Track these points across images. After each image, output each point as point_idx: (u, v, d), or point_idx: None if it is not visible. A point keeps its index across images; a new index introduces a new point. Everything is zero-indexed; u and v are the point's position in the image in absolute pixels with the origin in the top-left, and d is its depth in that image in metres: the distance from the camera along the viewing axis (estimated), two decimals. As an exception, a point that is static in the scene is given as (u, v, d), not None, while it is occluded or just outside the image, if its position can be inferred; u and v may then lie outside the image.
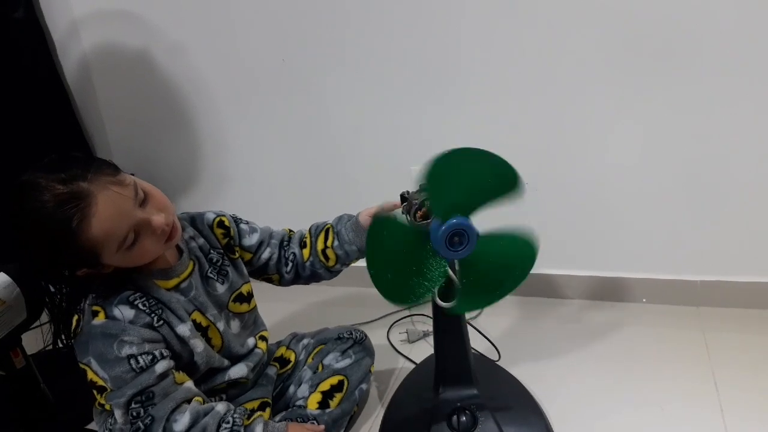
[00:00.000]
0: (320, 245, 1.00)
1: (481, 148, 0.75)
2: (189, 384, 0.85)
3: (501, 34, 1.16)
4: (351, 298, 1.47)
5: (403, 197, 0.87)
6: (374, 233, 0.77)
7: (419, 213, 0.81)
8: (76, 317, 0.84)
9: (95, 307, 0.82)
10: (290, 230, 1.05)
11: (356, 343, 1.06)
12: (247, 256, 0.99)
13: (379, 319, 1.35)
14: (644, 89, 1.12)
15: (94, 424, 0.92)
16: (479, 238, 0.77)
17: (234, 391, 0.96)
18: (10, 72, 1.45)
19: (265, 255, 1.00)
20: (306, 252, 1.00)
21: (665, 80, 1.10)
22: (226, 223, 0.97)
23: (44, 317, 1.00)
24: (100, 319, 0.81)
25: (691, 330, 1.17)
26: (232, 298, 0.95)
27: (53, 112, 1.56)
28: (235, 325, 0.96)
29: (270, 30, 1.33)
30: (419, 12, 1.20)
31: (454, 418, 0.93)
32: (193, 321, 0.87)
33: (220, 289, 0.93)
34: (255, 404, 0.97)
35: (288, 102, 1.39)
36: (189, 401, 0.83)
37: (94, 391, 0.83)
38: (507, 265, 0.83)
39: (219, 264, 0.94)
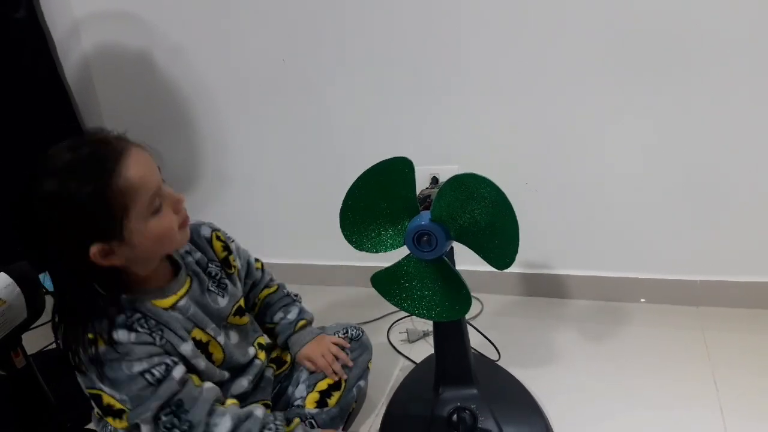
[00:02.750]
0: (269, 318, 1.04)
1: (512, 206, 0.75)
2: (209, 383, 0.83)
3: (501, 35, 1.17)
4: (351, 297, 1.47)
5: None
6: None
7: (422, 207, 0.83)
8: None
9: (90, 335, 0.75)
10: (260, 265, 1.06)
11: (353, 340, 1.06)
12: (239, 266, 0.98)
13: (379, 318, 1.35)
14: (645, 91, 1.12)
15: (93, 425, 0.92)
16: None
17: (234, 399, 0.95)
18: (11, 72, 1.45)
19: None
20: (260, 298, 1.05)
21: (665, 82, 1.10)
22: (222, 237, 0.95)
23: (45, 317, 1.00)
24: (100, 345, 0.75)
25: (691, 330, 1.17)
26: (232, 311, 0.92)
27: (53, 113, 1.56)
28: (234, 336, 0.93)
29: (270, 31, 1.33)
30: (419, 13, 1.20)
31: (454, 417, 0.93)
32: (194, 339, 0.84)
33: (222, 302, 0.90)
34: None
35: (288, 103, 1.39)
36: (222, 402, 0.81)
37: (110, 417, 0.78)
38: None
39: (218, 277, 0.92)
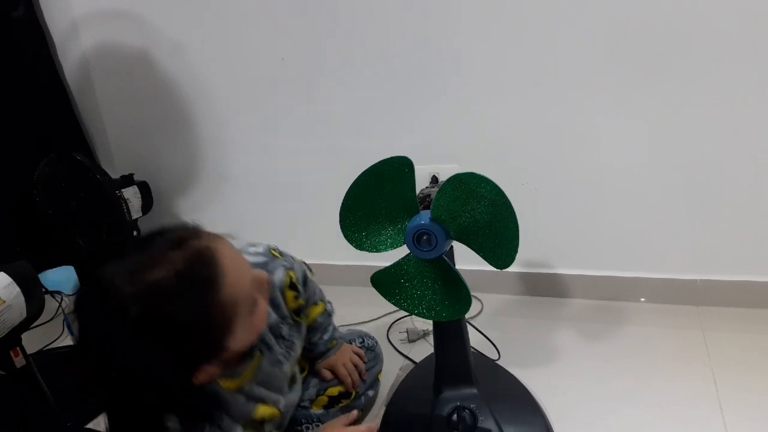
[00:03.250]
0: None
1: (512, 204, 0.74)
2: None
3: (500, 33, 1.16)
4: (351, 297, 1.47)
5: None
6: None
7: (421, 206, 0.83)
8: None
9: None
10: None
11: (368, 350, 1.05)
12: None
13: (378, 318, 1.34)
14: (644, 89, 1.12)
15: (94, 424, 0.92)
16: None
17: None
18: (10, 71, 1.45)
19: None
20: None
21: (664, 80, 1.10)
22: (295, 279, 0.84)
23: (44, 317, 1.00)
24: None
25: (691, 329, 1.17)
26: (293, 369, 0.86)
27: (53, 112, 1.56)
28: (291, 390, 0.86)
29: (270, 29, 1.33)
30: (420, 12, 1.20)
31: (454, 417, 0.92)
32: (254, 420, 0.77)
33: (287, 367, 0.82)
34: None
35: (288, 101, 1.39)
36: None
37: None
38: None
39: (288, 338, 0.82)
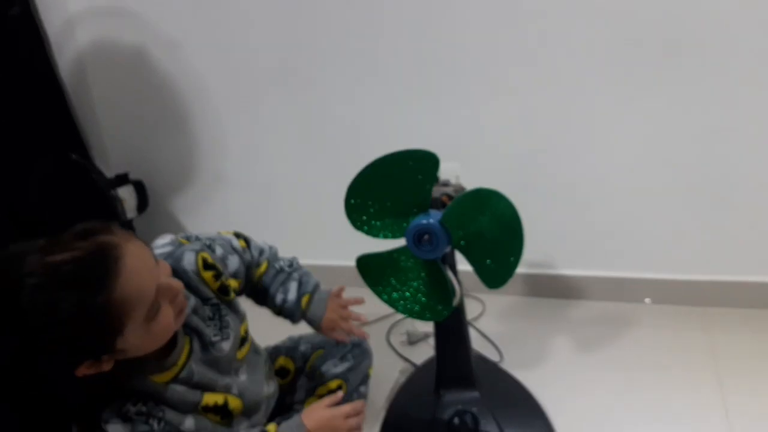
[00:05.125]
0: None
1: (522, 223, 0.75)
2: None
3: (501, 32, 1.15)
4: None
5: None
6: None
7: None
8: None
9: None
10: (243, 243, 0.94)
11: (355, 346, 1.04)
12: (235, 284, 0.87)
13: (378, 320, 1.33)
14: (649, 87, 1.11)
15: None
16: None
17: None
18: (5, 68, 1.45)
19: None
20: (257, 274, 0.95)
21: (670, 78, 1.09)
22: (210, 260, 0.82)
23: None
24: None
25: (697, 331, 1.16)
26: (236, 349, 0.85)
27: (48, 110, 1.55)
28: (243, 373, 0.86)
29: (267, 27, 1.32)
30: (420, 11, 1.19)
31: (456, 420, 0.92)
32: (206, 406, 0.78)
33: (227, 346, 0.82)
34: None
35: (286, 100, 1.38)
36: None
37: None
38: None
39: (217, 317, 0.82)
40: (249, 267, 0.93)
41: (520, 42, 1.15)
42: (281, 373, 1.03)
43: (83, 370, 0.65)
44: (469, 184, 0.86)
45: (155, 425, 0.72)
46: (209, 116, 1.47)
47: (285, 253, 1.49)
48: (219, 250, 0.87)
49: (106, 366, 0.67)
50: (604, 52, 1.10)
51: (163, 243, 0.84)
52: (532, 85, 1.17)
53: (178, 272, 0.78)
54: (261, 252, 0.96)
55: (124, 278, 0.62)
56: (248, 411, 0.85)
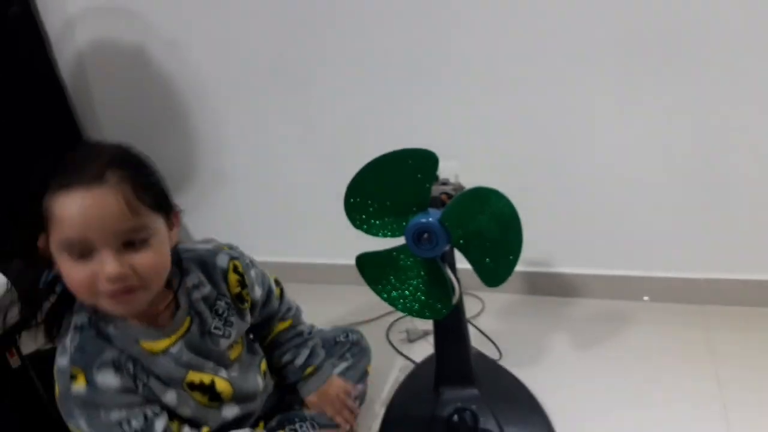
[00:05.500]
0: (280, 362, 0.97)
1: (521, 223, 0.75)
2: (186, 429, 0.80)
3: (501, 31, 1.15)
4: (349, 296, 1.46)
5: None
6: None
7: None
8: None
9: (74, 369, 0.72)
10: (279, 292, 0.97)
11: (353, 345, 1.05)
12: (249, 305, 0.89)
13: (377, 318, 1.33)
14: (648, 85, 1.11)
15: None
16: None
17: None
18: (5, 68, 1.45)
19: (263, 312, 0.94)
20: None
21: (669, 76, 1.09)
22: (241, 269, 0.86)
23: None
24: (79, 384, 0.72)
25: (695, 328, 1.16)
26: (230, 349, 0.86)
27: (48, 109, 1.56)
28: (235, 371, 0.87)
29: (266, 26, 1.32)
30: (418, 8, 1.18)
31: (455, 418, 0.92)
32: (191, 383, 0.79)
33: (224, 344, 0.83)
34: None
35: (286, 99, 1.38)
36: None
37: None
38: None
39: (225, 315, 0.84)
40: (272, 316, 0.96)
41: (520, 41, 1.15)
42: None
43: (43, 243, 0.70)
44: (469, 183, 0.86)
45: (140, 387, 0.74)
46: (209, 115, 1.47)
47: (285, 252, 1.50)
48: (253, 274, 0.89)
49: (42, 243, 0.70)
50: (603, 51, 1.10)
51: (205, 241, 0.89)
52: (532, 84, 1.17)
53: (207, 265, 0.83)
54: (289, 309, 0.98)
55: (66, 199, 0.66)
56: (240, 398, 0.86)
